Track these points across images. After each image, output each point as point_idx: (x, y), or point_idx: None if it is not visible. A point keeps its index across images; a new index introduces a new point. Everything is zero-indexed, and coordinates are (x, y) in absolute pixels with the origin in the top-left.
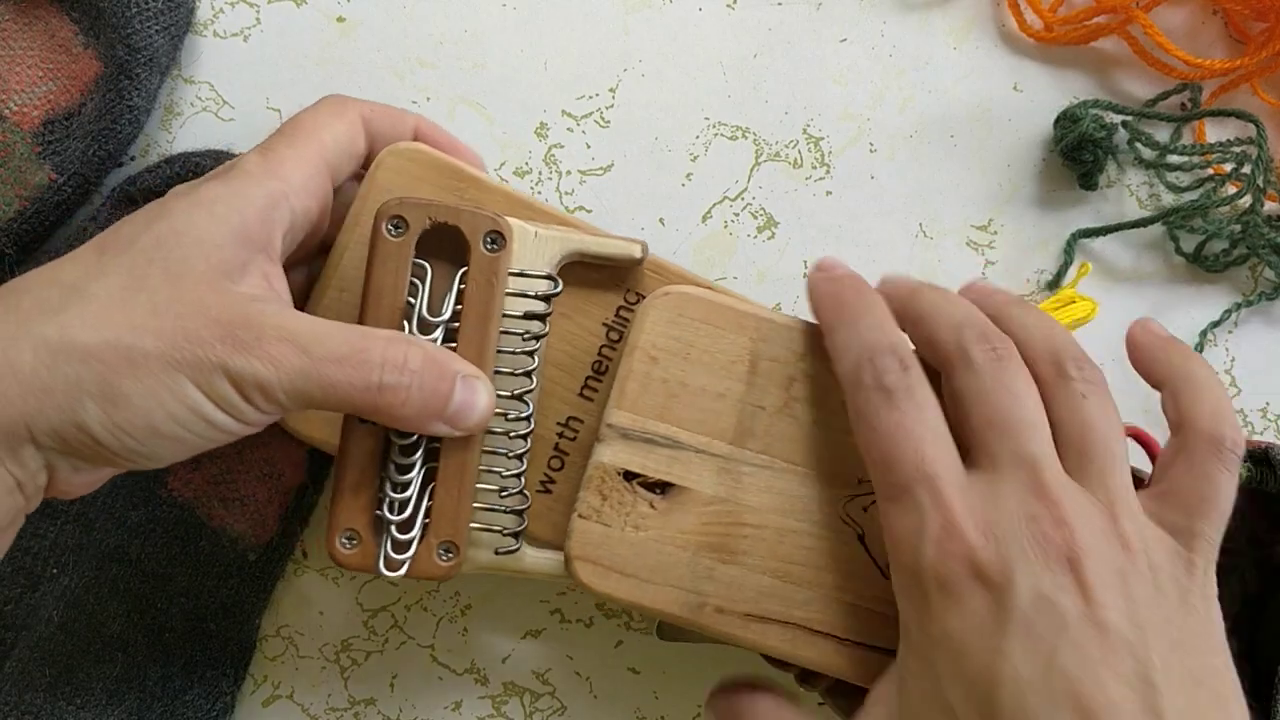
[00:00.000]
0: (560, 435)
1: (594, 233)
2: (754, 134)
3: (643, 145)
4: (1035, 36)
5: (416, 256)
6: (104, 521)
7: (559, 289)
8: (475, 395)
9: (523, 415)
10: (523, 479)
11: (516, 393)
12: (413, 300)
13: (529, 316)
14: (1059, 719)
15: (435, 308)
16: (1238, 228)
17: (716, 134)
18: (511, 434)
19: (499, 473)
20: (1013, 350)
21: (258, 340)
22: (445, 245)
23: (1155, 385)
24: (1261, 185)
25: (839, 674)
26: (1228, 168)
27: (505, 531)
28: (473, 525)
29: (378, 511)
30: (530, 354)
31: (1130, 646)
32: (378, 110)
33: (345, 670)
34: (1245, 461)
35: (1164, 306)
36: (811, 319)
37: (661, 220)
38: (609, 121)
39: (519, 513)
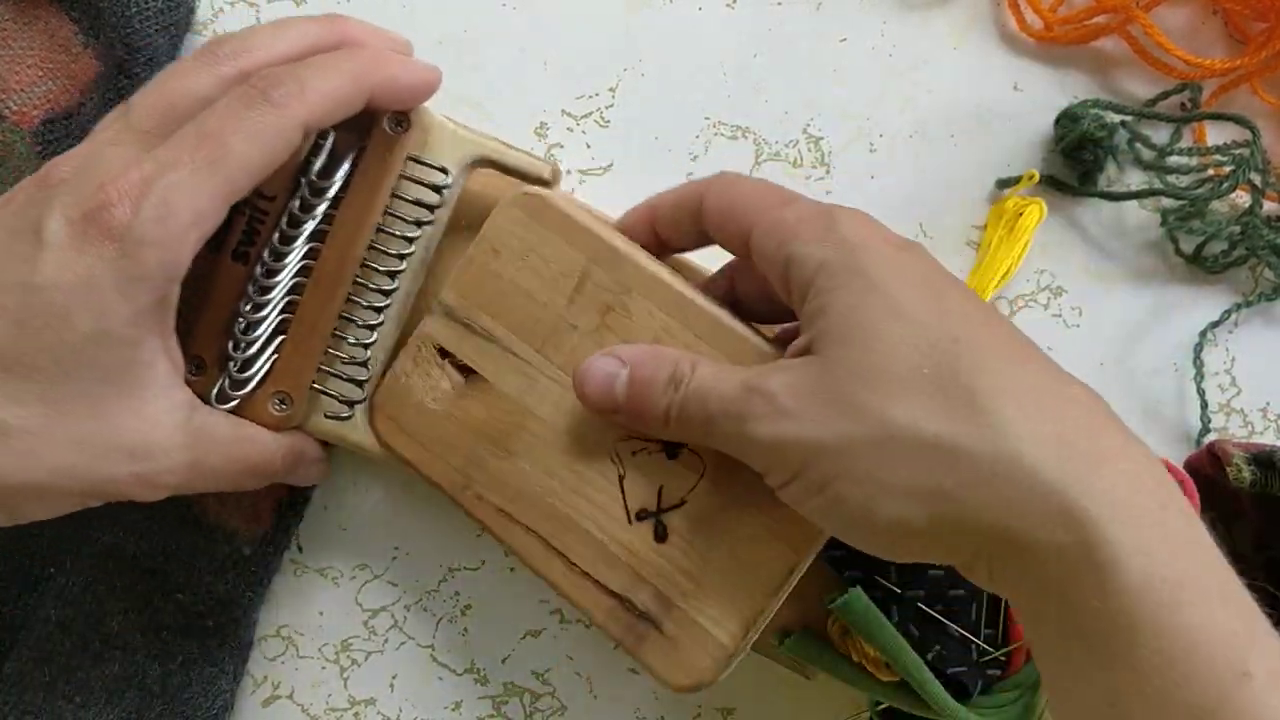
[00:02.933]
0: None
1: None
2: (754, 134)
3: (643, 145)
4: (1035, 36)
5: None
6: (100, 520)
7: (450, 183)
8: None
9: (384, 289)
10: (370, 351)
11: (386, 269)
12: (313, 159)
13: (418, 203)
14: None
15: (331, 174)
16: (1237, 229)
17: (716, 134)
18: (370, 304)
19: (349, 340)
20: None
21: (158, 472)
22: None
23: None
24: (1260, 186)
25: (559, 593)
26: (1227, 169)
27: (343, 399)
28: (313, 385)
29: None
30: (409, 239)
31: None
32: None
33: (345, 670)
34: (1250, 465)
35: (1164, 306)
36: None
37: None
38: (609, 121)
39: (360, 383)
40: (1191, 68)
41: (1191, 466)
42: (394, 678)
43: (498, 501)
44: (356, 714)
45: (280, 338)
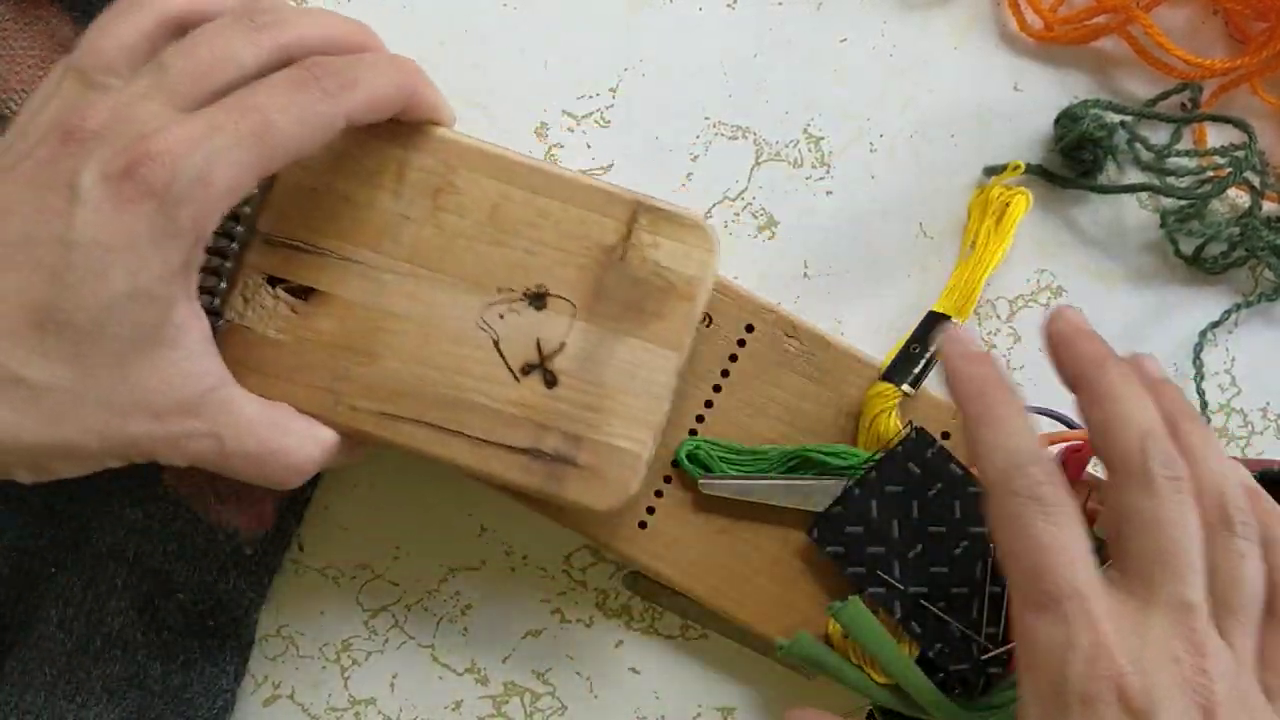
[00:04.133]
0: None
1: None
2: (754, 134)
3: (643, 145)
4: (1035, 36)
5: None
6: (101, 520)
7: None
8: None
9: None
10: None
11: None
12: None
13: None
14: None
15: None
16: (1237, 230)
17: (716, 134)
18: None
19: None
20: (1189, 481)
21: (186, 437)
22: None
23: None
24: (1258, 187)
25: (465, 470)
26: (1226, 171)
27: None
28: None
29: None
30: None
31: None
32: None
33: (345, 670)
34: (1260, 483)
35: (1164, 307)
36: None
37: None
38: (609, 121)
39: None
40: (1191, 68)
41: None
42: (394, 677)
43: (375, 406)
44: (357, 714)
45: None
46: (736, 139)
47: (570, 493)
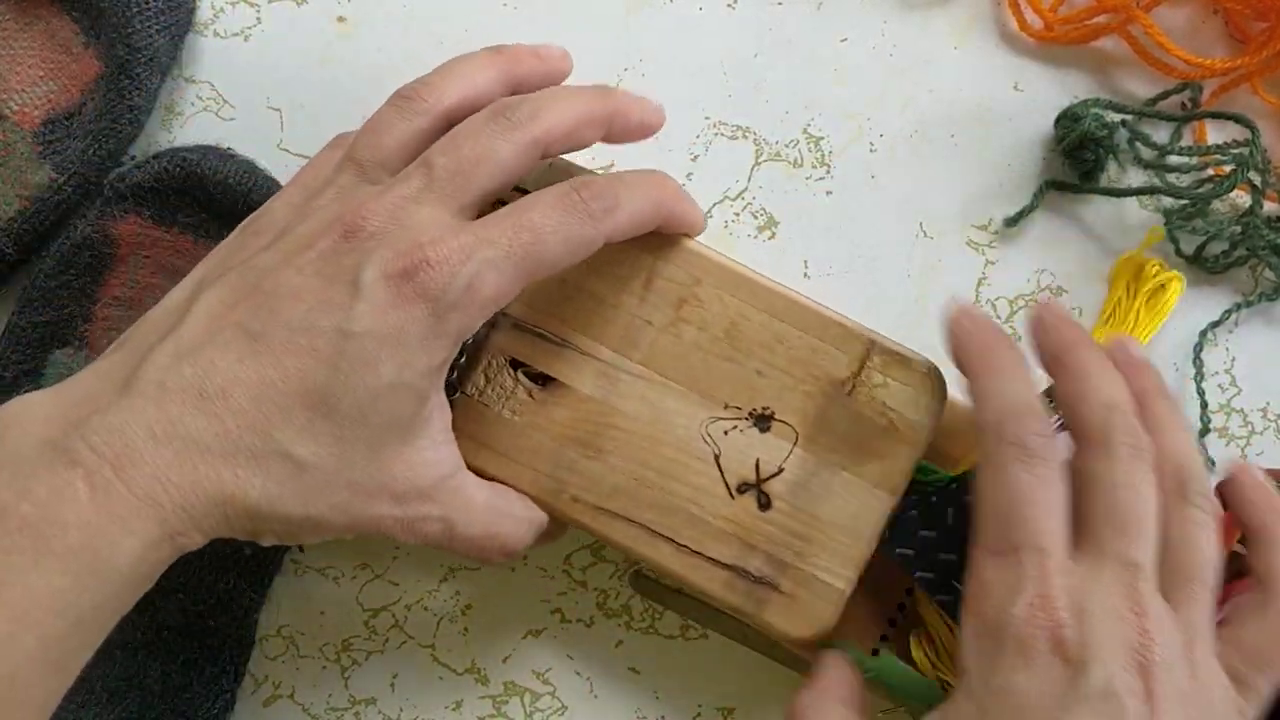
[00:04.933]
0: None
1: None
2: (754, 134)
3: (643, 145)
4: (1035, 36)
5: None
6: None
7: None
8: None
9: None
10: None
11: None
12: None
13: None
14: None
15: None
16: (1238, 229)
17: (716, 134)
18: None
19: None
20: (1150, 452)
21: (421, 520)
22: None
23: (1249, 532)
24: (1260, 186)
25: (669, 575)
26: (1228, 169)
27: None
28: None
29: None
30: None
31: None
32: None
33: (345, 670)
34: (1275, 482)
35: None
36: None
37: None
38: None
39: None
40: (1192, 67)
41: (1222, 493)
42: (394, 677)
43: (595, 500)
44: (357, 714)
45: None
46: (736, 139)
47: (770, 616)
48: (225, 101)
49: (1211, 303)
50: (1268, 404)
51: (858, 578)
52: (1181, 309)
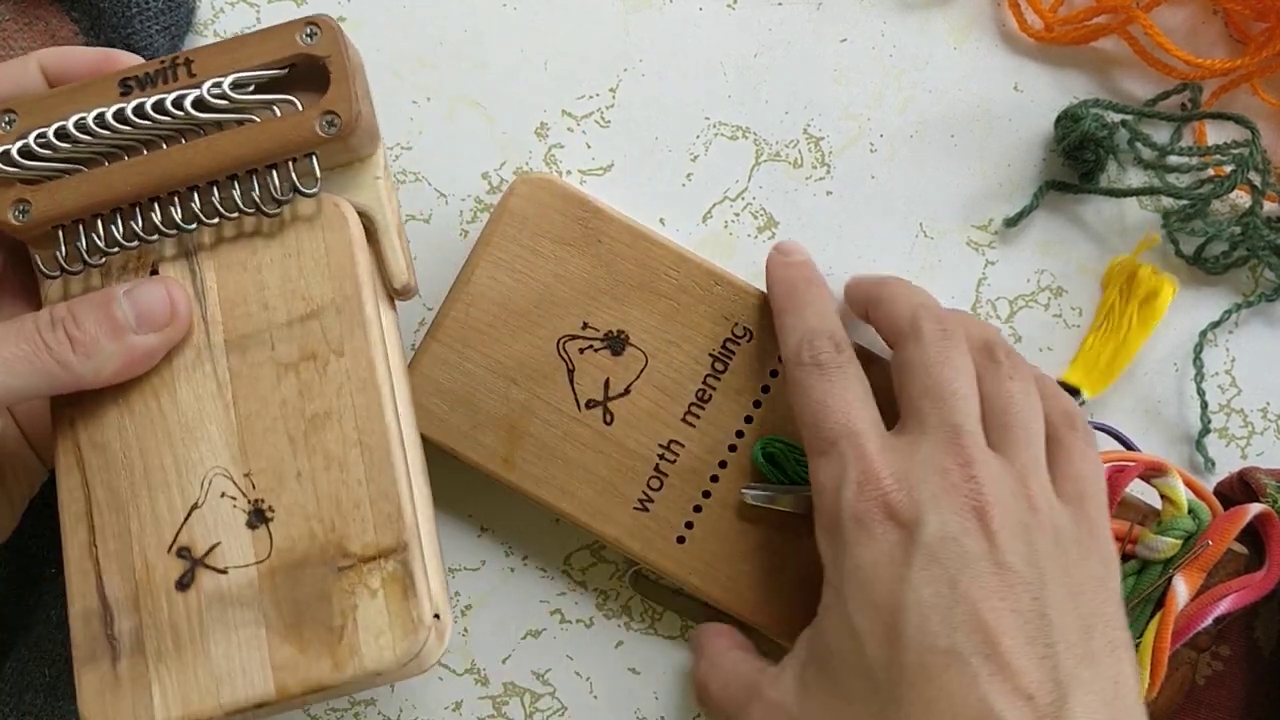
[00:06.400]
0: (660, 457)
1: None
2: (754, 134)
3: (643, 145)
4: (1035, 36)
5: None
6: None
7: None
8: (145, 291)
9: None
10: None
11: None
12: None
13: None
14: (957, 638)
15: None
16: (1238, 229)
17: (716, 134)
18: None
19: None
20: (960, 332)
21: None
22: None
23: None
24: (1260, 186)
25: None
26: (1228, 169)
27: None
28: None
29: None
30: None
31: (1028, 585)
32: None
33: None
34: (1275, 482)
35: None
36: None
37: (662, 220)
38: (609, 121)
39: None
40: (1191, 68)
41: (1222, 494)
42: None
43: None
44: (356, 714)
45: None
46: (736, 139)
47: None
48: None
49: (1211, 303)
50: (1268, 404)
51: None
52: (1181, 309)
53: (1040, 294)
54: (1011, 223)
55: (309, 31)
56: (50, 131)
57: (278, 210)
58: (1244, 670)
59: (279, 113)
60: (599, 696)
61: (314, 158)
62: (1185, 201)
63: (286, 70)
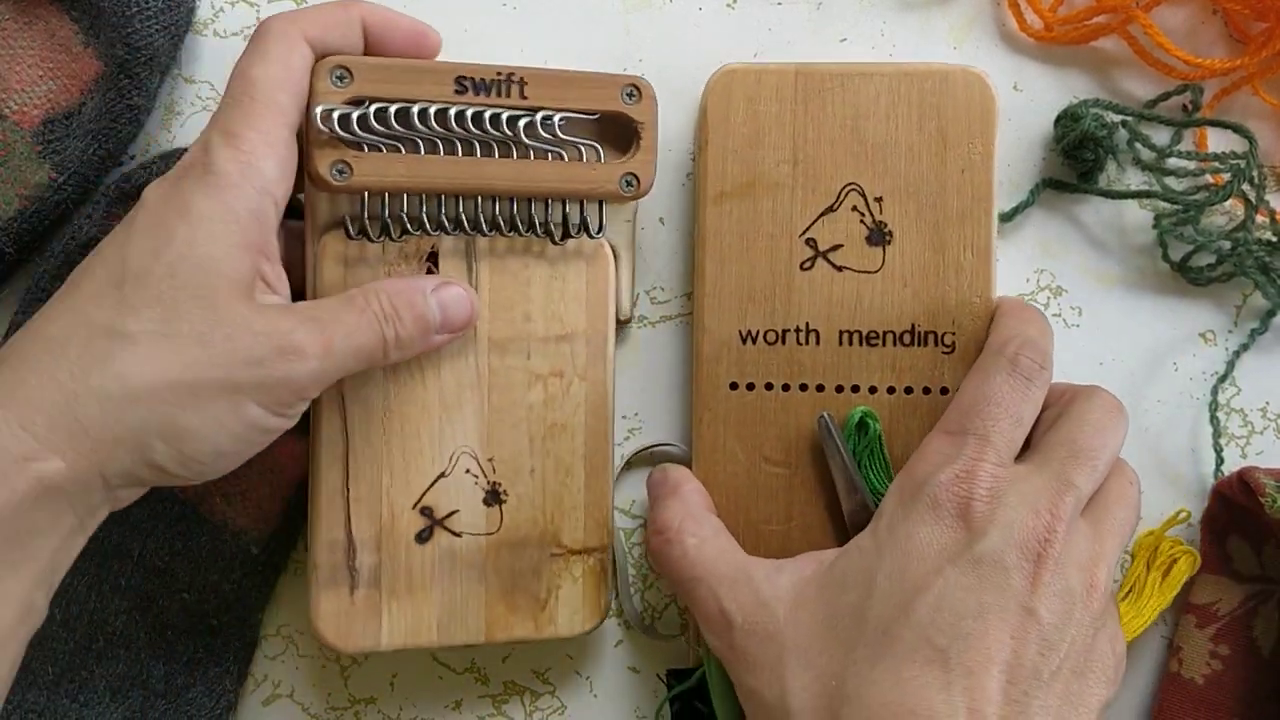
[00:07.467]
0: None
1: None
2: None
3: None
4: (1035, 36)
5: None
6: (106, 519)
7: None
8: (452, 297)
9: None
10: None
11: None
12: None
13: None
14: (955, 645)
15: None
16: (1227, 244)
17: None
18: None
19: None
20: (1126, 421)
21: (298, 348)
22: None
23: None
24: (1253, 201)
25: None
26: (1225, 178)
27: None
28: None
29: None
30: None
31: (1044, 640)
32: (320, 21)
33: (345, 670)
34: (1274, 482)
35: (1164, 306)
36: None
37: (661, 220)
38: None
39: None
40: (1191, 68)
41: (1222, 494)
42: (394, 677)
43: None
44: (356, 714)
45: None
46: None
47: None
48: None
49: (1211, 303)
50: (1267, 404)
51: None
52: (1181, 309)
53: (1040, 294)
54: (1006, 218)
55: (629, 91)
56: (392, 110)
57: (562, 241)
58: (1243, 670)
59: (584, 157)
60: (599, 696)
61: (602, 204)
62: (1180, 206)
63: (597, 117)
